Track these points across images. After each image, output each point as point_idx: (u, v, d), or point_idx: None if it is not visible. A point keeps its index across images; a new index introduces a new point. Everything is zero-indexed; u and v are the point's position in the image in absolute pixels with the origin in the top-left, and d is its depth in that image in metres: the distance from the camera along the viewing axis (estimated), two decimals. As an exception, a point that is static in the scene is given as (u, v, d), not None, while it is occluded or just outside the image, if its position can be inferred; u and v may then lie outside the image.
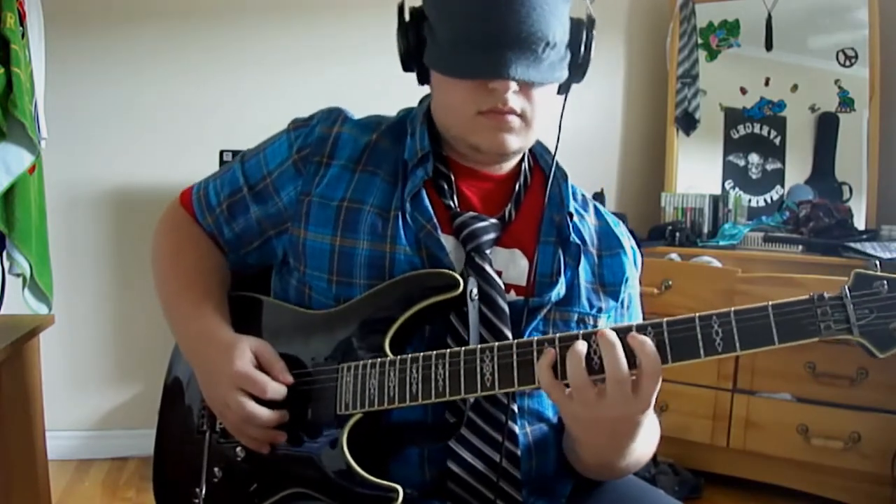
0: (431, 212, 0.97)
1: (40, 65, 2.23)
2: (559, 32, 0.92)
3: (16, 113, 1.95)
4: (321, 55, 2.73)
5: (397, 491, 0.88)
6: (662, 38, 3.04)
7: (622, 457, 0.91)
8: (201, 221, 1.10)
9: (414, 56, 0.97)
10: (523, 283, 0.98)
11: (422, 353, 0.89)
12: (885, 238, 2.52)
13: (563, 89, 1.00)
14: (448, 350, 0.88)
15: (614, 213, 1.12)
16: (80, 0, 2.56)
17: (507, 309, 0.94)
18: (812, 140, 2.82)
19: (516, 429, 0.95)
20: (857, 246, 2.36)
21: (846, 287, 0.77)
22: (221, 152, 2.37)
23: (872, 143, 2.70)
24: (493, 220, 0.98)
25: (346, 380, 0.92)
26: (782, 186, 2.87)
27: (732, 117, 2.94)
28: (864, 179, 2.71)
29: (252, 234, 1.06)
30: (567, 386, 0.82)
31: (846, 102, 2.76)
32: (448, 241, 0.96)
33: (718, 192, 2.91)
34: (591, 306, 1.00)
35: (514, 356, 0.85)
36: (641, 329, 0.82)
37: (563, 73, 0.96)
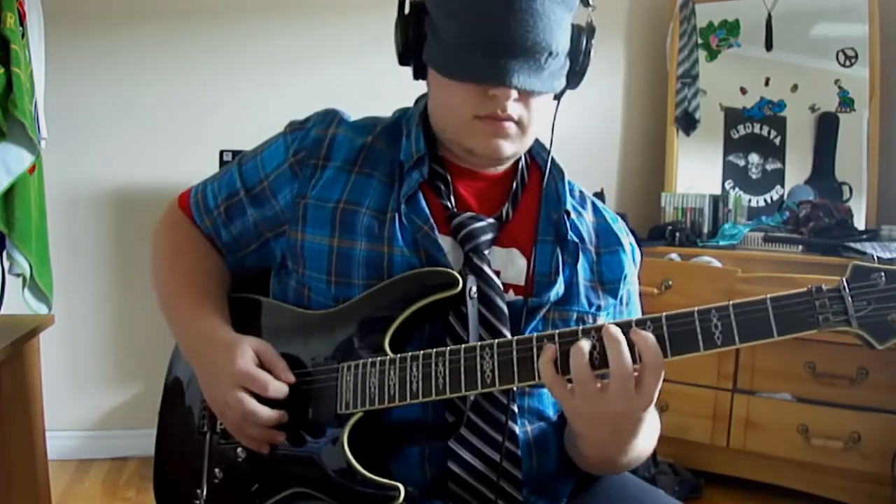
0: (428, 213, 0.97)
1: (40, 65, 2.23)
2: (562, 42, 0.92)
3: (16, 113, 1.95)
4: (321, 55, 2.73)
5: (399, 489, 0.88)
6: (662, 38, 3.04)
7: (624, 452, 0.91)
8: (199, 224, 1.10)
9: (412, 50, 0.97)
10: (522, 282, 0.98)
11: (422, 352, 0.89)
12: (885, 238, 2.52)
13: (558, 94, 0.99)
14: (448, 348, 0.88)
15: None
16: (80, 0, 2.56)
17: (505, 309, 0.94)
18: (812, 140, 2.82)
19: (516, 428, 0.95)
20: (857, 246, 2.36)
21: (844, 279, 0.77)
22: (221, 152, 2.37)
23: (872, 143, 2.69)
24: (491, 220, 0.98)
25: (347, 379, 0.92)
26: (782, 186, 2.87)
27: (732, 117, 2.94)
28: (864, 179, 2.71)
29: (250, 236, 1.06)
30: (569, 381, 0.82)
31: (846, 102, 2.76)
32: (446, 242, 0.96)
33: (718, 192, 2.91)
34: (590, 304, 1.00)
35: (514, 353, 0.85)
36: (640, 324, 0.82)
37: (562, 82, 0.96)
